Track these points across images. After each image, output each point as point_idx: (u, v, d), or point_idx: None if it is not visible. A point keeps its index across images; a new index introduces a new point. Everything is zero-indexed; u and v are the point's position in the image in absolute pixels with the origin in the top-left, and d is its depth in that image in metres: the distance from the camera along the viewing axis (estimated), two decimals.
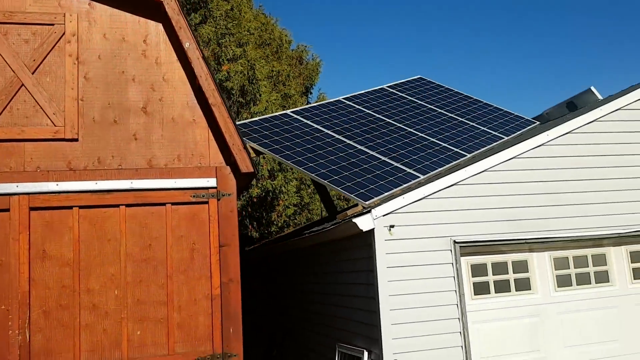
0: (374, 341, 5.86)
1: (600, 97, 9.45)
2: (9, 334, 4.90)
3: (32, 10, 5.39)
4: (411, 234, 5.95)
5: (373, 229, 5.80)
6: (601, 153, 6.76)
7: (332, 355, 7.12)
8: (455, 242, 6.04)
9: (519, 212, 6.36)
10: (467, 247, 6.14)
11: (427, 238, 5.99)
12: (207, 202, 5.52)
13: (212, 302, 5.39)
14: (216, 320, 5.37)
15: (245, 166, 5.53)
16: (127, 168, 5.42)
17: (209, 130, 5.67)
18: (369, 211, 5.82)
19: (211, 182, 5.55)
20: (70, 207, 5.23)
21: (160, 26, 5.69)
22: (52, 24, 5.41)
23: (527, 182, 6.43)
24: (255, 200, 12.08)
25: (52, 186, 5.20)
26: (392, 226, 5.86)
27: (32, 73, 5.30)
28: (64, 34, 5.42)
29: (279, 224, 13.68)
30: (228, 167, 5.61)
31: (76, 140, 5.36)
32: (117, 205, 5.34)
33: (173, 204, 5.46)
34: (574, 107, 10.05)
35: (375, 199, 6.41)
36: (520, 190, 6.40)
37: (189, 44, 5.51)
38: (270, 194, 12.18)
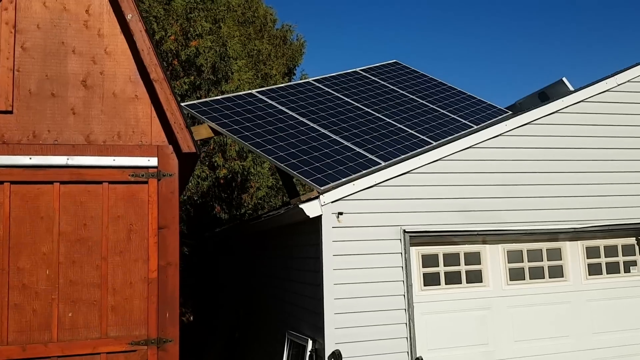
0: (319, 329, 5.74)
1: (571, 88, 9.30)
2: None
3: None
4: (360, 222, 5.80)
5: (320, 216, 5.65)
6: (561, 146, 6.63)
7: (285, 341, 7.01)
8: (405, 231, 5.90)
9: (473, 203, 6.23)
10: (417, 237, 6.01)
11: (377, 226, 5.85)
12: (146, 182, 5.31)
13: (149, 286, 5.22)
14: (152, 305, 5.20)
15: (187, 146, 5.32)
16: (64, 143, 5.19)
17: (152, 107, 5.44)
18: (317, 197, 5.65)
19: (152, 161, 5.34)
20: (2, 182, 5.00)
21: None
22: None
23: (482, 173, 6.30)
24: (222, 181, 11.88)
25: None
26: (340, 213, 5.71)
27: None
28: (0, 0, 5.15)
29: (250, 206, 13.50)
30: (170, 147, 5.40)
31: (10, 112, 5.12)
32: (52, 182, 5.12)
33: (110, 182, 5.25)
34: (545, 97, 9.91)
35: (331, 184, 6.24)
36: (475, 180, 6.26)
37: (131, 15, 5.26)
38: (239, 175, 11.98)
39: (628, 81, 6.96)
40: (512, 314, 6.40)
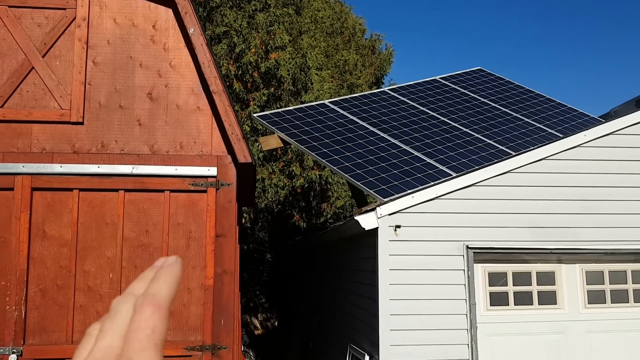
0: (374, 345, 5.57)
1: None
2: (6, 309, 5.06)
3: None
4: (420, 236, 5.58)
5: (377, 228, 5.49)
6: None
7: (347, 354, 6.89)
8: (468, 247, 5.60)
9: (546, 219, 5.80)
10: (482, 254, 5.69)
11: (438, 241, 5.60)
12: (205, 191, 5.43)
13: (205, 293, 5.32)
14: (208, 311, 5.28)
15: (244, 156, 5.38)
16: (130, 153, 5.43)
17: (213, 119, 5.57)
18: (374, 209, 5.51)
19: (212, 171, 5.45)
20: (71, 189, 5.31)
21: (170, 12, 5.64)
22: (64, 8, 5.50)
23: (557, 187, 5.85)
24: (299, 190, 11.97)
25: (56, 168, 5.30)
26: (397, 226, 5.53)
27: (43, 56, 5.41)
28: (74, 18, 5.50)
29: (329, 215, 13.50)
30: (229, 157, 5.49)
31: (81, 123, 5.43)
32: (117, 190, 5.36)
33: (172, 191, 5.42)
34: None
35: (396, 196, 6.07)
36: (549, 195, 5.83)
37: (193, 29, 5.42)
38: (317, 185, 12.01)
39: None
40: (590, 339, 5.88)
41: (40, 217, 5.24)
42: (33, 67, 5.38)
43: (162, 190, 5.41)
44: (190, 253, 5.38)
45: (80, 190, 5.31)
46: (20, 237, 5.15)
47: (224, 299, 5.32)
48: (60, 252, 5.23)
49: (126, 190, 5.37)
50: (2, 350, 4.98)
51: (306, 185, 11.67)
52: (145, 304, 0.45)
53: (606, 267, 6.02)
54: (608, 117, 10.01)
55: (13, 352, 4.98)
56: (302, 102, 12.03)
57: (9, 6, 5.39)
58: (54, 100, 5.40)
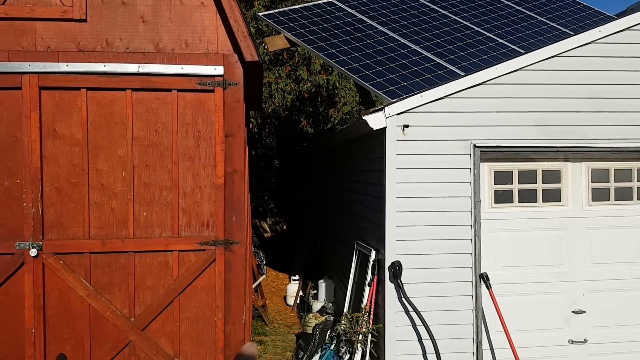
0: (381, 241, 5.76)
1: None
2: (23, 206, 5.22)
3: None
4: (428, 136, 5.60)
5: (385, 128, 5.51)
6: None
7: (354, 250, 7.14)
8: (475, 146, 5.63)
9: (554, 117, 5.78)
10: (489, 152, 5.72)
11: (445, 140, 5.62)
12: (213, 91, 5.41)
13: (216, 191, 5.44)
14: (219, 209, 5.43)
15: (250, 54, 5.31)
16: (135, 51, 5.36)
17: (218, 15, 5.44)
18: (382, 109, 5.49)
19: (218, 70, 5.40)
20: (79, 89, 5.30)
21: None
22: None
23: (568, 85, 5.78)
24: (306, 95, 11.87)
25: (62, 67, 5.27)
26: (406, 126, 5.53)
27: None
28: None
29: (336, 121, 13.48)
30: (235, 55, 5.42)
31: (84, 20, 5.32)
32: (124, 89, 5.35)
33: (179, 90, 5.40)
34: None
35: (404, 96, 6.03)
36: (558, 93, 5.77)
37: None
38: (324, 90, 11.88)
39: None
40: (592, 235, 6.04)
41: (50, 116, 5.27)
42: None
43: (170, 90, 5.39)
44: (200, 152, 5.45)
45: (88, 89, 5.30)
46: (32, 136, 5.21)
47: (235, 197, 5.44)
48: (72, 151, 5.31)
49: (133, 90, 5.36)
50: (23, 245, 5.19)
51: (313, 90, 11.55)
52: None
53: (612, 165, 6.07)
54: (625, 14, 9.68)
55: (33, 247, 5.19)
56: (309, 1, 11.65)
57: None
58: None
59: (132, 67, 5.33)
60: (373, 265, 5.95)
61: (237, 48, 5.41)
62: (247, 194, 6.01)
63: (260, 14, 8.13)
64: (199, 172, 5.46)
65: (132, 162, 5.37)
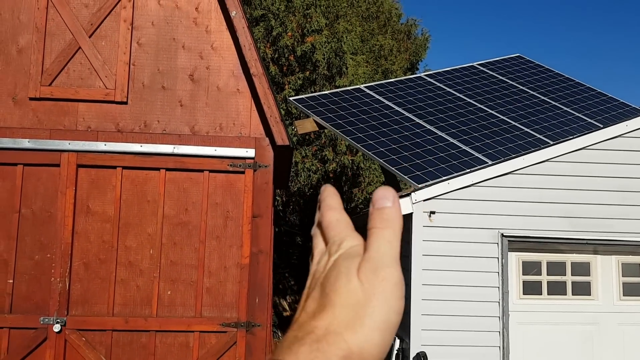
0: (406, 329, 5.64)
1: None
2: (50, 281, 5.28)
3: None
4: (454, 223, 5.60)
5: (411, 214, 5.53)
6: None
7: None
8: (503, 235, 5.60)
9: (583, 209, 5.75)
10: (517, 242, 5.68)
11: (472, 228, 5.61)
12: (243, 172, 5.54)
13: (241, 271, 5.44)
14: (243, 289, 5.42)
15: (281, 139, 5.46)
16: (171, 133, 5.56)
17: (252, 101, 5.65)
18: (409, 195, 5.54)
19: (250, 152, 5.55)
20: (115, 167, 5.47)
21: None
22: None
23: (596, 177, 5.79)
24: (331, 175, 12.03)
25: (100, 146, 5.47)
26: (432, 212, 5.55)
27: (89, 37, 5.56)
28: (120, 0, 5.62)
29: (360, 200, 13.55)
30: (267, 139, 5.58)
31: (125, 103, 5.58)
32: (158, 169, 5.51)
33: (211, 171, 5.54)
34: None
35: (431, 182, 6.09)
36: (586, 185, 5.77)
37: (235, 12, 5.49)
38: (349, 170, 12.05)
39: None
40: (624, 331, 5.83)
41: (84, 193, 5.42)
42: (80, 47, 5.54)
43: (202, 170, 5.54)
44: (227, 232, 5.51)
45: (124, 168, 5.47)
46: (66, 212, 5.35)
47: (259, 278, 5.44)
48: (103, 228, 5.41)
49: (167, 170, 5.51)
50: (47, 320, 5.21)
51: (338, 170, 11.72)
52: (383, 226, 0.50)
53: None
54: None
55: (57, 322, 5.19)
56: (337, 87, 12.04)
57: None
58: (99, 79, 5.55)
59: (167, 148, 5.51)
60: (397, 355, 5.80)
61: (268, 132, 5.58)
62: (270, 274, 6.01)
63: (291, 98, 8.41)
64: (225, 251, 5.50)
65: (160, 240, 5.44)
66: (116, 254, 5.38)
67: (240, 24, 5.50)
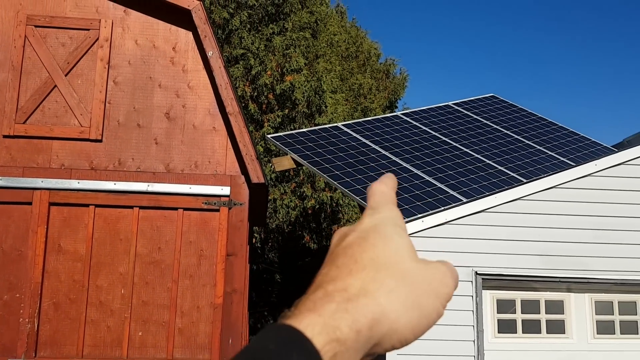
0: None
1: None
2: (19, 322, 5.15)
3: (71, 16, 5.69)
4: None
5: None
6: None
7: None
8: (477, 273, 5.62)
9: (556, 247, 5.81)
10: (491, 280, 5.70)
11: None
12: (218, 210, 5.52)
13: (214, 311, 5.38)
14: (216, 330, 5.34)
15: (257, 176, 5.48)
16: (146, 171, 5.55)
17: (228, 139, 5.68)
18: None
19: (225, 190, 5.55)
20: (88, 205, 5.43)
21: (190, 34, 5.80)
22: (88, 29, 5.68)
23: (568, 215, 5.87)
24: (310, 211, 12.04)
25: (74, 184, 5.43)
26: None
27: (65, 75, 5.58)
28: (97, 39, 5.67)
29: None
30: (242, 177, 5.59)
31: (100, 141, 5.57)
32: (132, 207, 5.47)
33: (185, 209, 5.52)
34: None
35: (406, 220, 6.12)
36: (558, 223, 5.85)
37: (212, 52, 5.57)
38: (328, 206, 12.07)
39: None
40: None
41: (56, 231, 5.35)
42: (56, 85, 5.55)
43: (176, 208, 5.51)
44: (201, 271, 5.46)
45: (96, 206, 5.43)
46: (36, 251, 5.26)
47: (233, 318, 5.37)
48: (74, 267, 5.33)
49: (141, 207, 5.48)
50: None
51: (317, 206, 11.73)
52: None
53: (616, 298, 6.00)
54: (621, 146, 10.01)
55: None
56: (316, 125, 12.16)
57: (35, 26, 5.58)
58: (74, 117, 5.55)
59: (141, 186, 5.49)
60: None
61: (244, 170, 5.60)
62: (245, 314, 5.93)
63: (269, 135, 8.47)
64: (198, 291, 5.43)
65: (132, 280, 5.36)
66: (87, 294, 5.29)
67: (217, 63, 5.57)
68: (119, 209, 5.46)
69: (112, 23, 5.71)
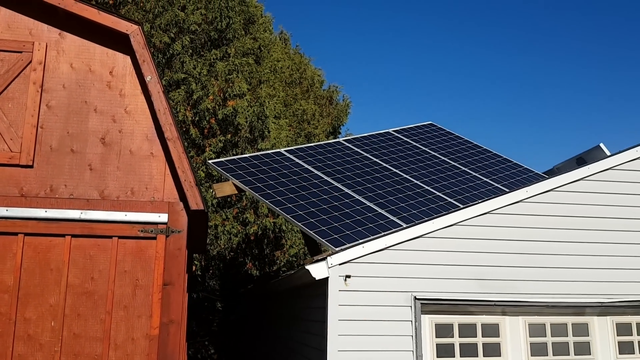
0: None
1: (608, 153, 8.99)
2: None
3: (3, 37, 5.50)
4: (369, 287, 5.65)
5: (327, 278, 5.54)
6: (587, 214, 6.34)
7: None
8: (416, 298, 5.70)
9: (491, 271, 5.98)
10: (430, 305, 5.79)
11: (386, 292, 5.68)
12: (155, 238, 5.39)
13: (150, 343, 5.20)
14: None
15: (196, 203, 5.40)
16: (79, 198, 5.37)
17: (166, 165, 5.58)
18: (325, 259, 5.57)
19: (162, 217, 5.43)
20: (16, 234, 5.19)
21: (128, 59, 5.71)
22: (21, 52, 5.50)
23: (501, 240, 6.07)
24: (252, 237, 11.93)
25: (2, 211, 5.19)
26: (348, 276, 5.59)
27: None
28: (30, 61, 5.49)
29: (282, 263, 13.44)
30: (181, 204, 5.49)
31: (31, 167, 5.36)
32: (64, 235, 5.27)
33: (120, 237, 5.36)
34: (583, 162, 9.60)
35: (347, 246, 6.15)
36: (493, 248, 6.03)
37: (150, 77, 5.49)
38: (271, 232, 12.00)
39: None
40: None
41: None
42: None
43: (111, 237, 5.35)
44: (136, 301, 5.29)
45: (26, 234, 5.20)
46: None
47: (170, 350, 5.21)
48: (1, 299, 5.06)
49: (73, 236, 5.28)
50: None
51: (260, 232, 11.64)
52: None
53: (548, 320, 6.20)
54: (551, 173, 10.48)
55: None
56: (259, 150, 12.14)
57: None
58: (3, 142, 5.33)
59: (74, 214, 5.30)
60: None
61: (183, 196, 5.50)
62: (183, 345, 5.78)
63: (210, 161, 8.38)
64: (133, 322, 5.25)
65: (63, 312, 5.14)
66: (14, 327, 5.02)
67: (156, 88, 5.49)
68: (50, 237, 5.24)
69: (47, 46, 5.56)
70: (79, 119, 5.53)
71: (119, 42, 5.66)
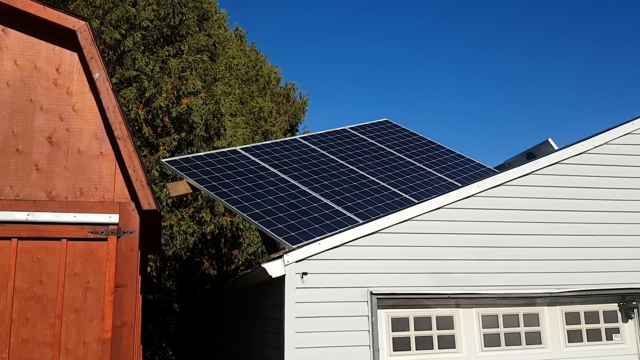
0: None
1: (556, 147, 9.27)
2: None
3: None
4: (326, 283, 5.66)
5: (284, 276, 5.53)
6: (536, 208, 6.52)
7: None
8: (372, 293, 5.75)
9: (445, 265, 6.08)
10: (386, 299, 5.84)
11: (343, 288, 5.70)
12: (106, 239, 5.26)
13: (102, 346, 5.08)
14: None
15: (148, 203, 5.29)
16: (25, 199, 5.19)
17: (117, 164, 5.45)
18: (281, 257, 5.55)
19: (113, 218, 5.30)
20: None
21: (75, 55, 5.54)
22: None
23: (454, 234, 6.18)
24: (209, 237, 11.80)
25: None
26: (304, 273, 5.59)
27: None
28: None
29: (241, 262, 13.34)
30: (132, 204, 5.38)
31: None
32: (9, 238, 5.09)
33: (69, 239, 5.21)
34: (532, 157, 9.87)
35: (303, 243, 6.14)
36: (447, 242, 6.14)
37: (98, 74, 5.36)
38: (228, 231, 11.89)
39: (605, 143, 6.90)
40: None
41: None
42: None
43: (59, 239, 5.19)
44: (87, 305, 5.16)
45: None
46: None
47: (123, 353, 5.10)
48: None
49: (20, 239, 5.11)
50: None
51: (217, 231, 11.52)
52: None
53: (500, 311, 6.35)
54: (503, 168, 10.73)
55: None
56: (215, 148, 12.00)
57: None
58: None
59: (20, 216, 5.13)
60: None
61: (134, 196, 5.39)
62: (138, 347, 5.67)
63: (163, 160, 8.23)
64: (85, 326, 5.12)
65: (10, 317, 4.96)
66: None
67: (104, 86, 5.36)
68: None
69: None
70: (24, 118, 5.34)
71: (66, 38, 5.49)
